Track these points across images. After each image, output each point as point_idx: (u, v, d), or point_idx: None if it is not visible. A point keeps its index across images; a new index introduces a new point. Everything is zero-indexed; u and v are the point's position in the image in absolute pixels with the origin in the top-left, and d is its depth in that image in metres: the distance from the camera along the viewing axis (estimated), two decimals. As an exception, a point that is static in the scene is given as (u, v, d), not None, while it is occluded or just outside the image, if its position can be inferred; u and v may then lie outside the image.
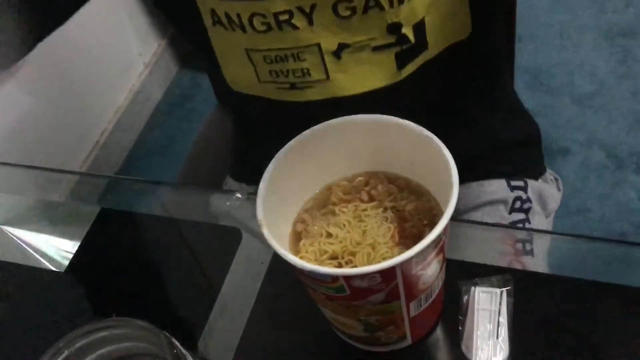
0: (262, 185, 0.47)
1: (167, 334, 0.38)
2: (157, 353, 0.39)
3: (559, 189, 0.86)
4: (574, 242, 0.61)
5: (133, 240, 0.69)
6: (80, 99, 1.71)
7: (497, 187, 0.79)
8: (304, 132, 0.50)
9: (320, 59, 0.60)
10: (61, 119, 1.65)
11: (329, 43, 0.59)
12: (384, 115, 0.49)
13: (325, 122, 0.50)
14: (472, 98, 0.75)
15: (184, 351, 0.38)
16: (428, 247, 0.42)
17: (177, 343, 0.38)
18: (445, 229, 0.44)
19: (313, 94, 0.64)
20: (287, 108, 0.66)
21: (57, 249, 0.70)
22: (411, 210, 0.50)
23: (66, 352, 0.39)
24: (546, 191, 0.82)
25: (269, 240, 0.44)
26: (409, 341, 0.53)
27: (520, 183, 0.80)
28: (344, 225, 0.50)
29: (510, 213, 0.78)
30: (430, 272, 0.46)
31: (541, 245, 0.63)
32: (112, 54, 1.83)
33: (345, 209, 0.51)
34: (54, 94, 1.61)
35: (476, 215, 0.79)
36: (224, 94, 0.73)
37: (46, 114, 1.60)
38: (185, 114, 1.96)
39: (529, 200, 0.79)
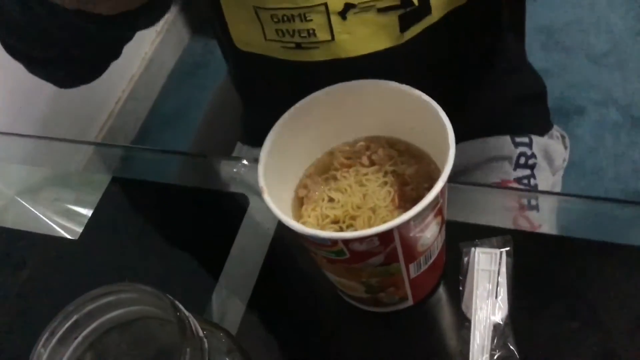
0: (263, 152, 0.48)
1: (171, 297, 0.40)
2: (162, 316, 0.40)
3: (565, 146, 0.86)
4: (578, 201, 0.62)
5: (143, 207, 0.70)
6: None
7: (501, 144, 0.79)
8: (304, 99, 0.51)
9: (327, 20, 0.61)
10: (75, 89, 1.66)
11: (336, 3, 0.59)
12: (383, 80, 0.50)
13: (325, 89, 0.51)
14: (475, 61, 0.75)
15: (187, 313, 0.40)
16: (425, 209, 0.43)
17: (180, 306, 0.39)
18: (442, 192, 0.45)
19: (318, 55, 0.65)
20: (292, 68, 0.66)
21: (70, 217, 0.71)
22: (411, 174, 0.51)
23: (75, 316, 0.40)
24: (552, 147, 0.82)
25: (270, 207, 0.45)
26: (410, 302, 0.54)
27: (525, 139, 0.80)
28: (345, 189, 0.51)
29: (515, 169, 0.78)
30: (429, 234, 0.47)
31: (546, 201, 0.64)
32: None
33: (346, 174, 0.52)
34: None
35: (480, 173, 0.79)
36: (231, 54, 0.74)
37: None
38: (199, 81, 1.96)
39: (533, 156, 0.79)
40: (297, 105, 0.50)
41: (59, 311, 0.41)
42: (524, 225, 0.59)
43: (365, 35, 0.63)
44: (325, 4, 0.59)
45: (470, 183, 0.70)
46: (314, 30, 0.62)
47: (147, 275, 0.64)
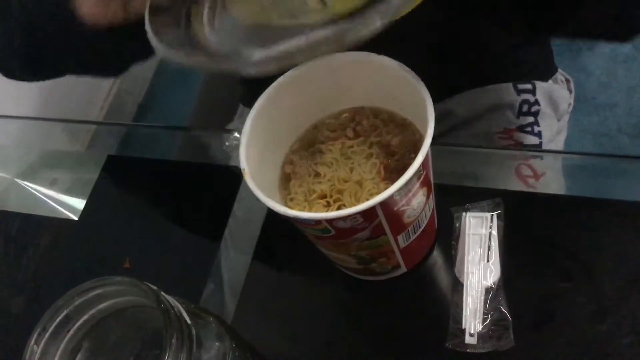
0: (244, 133, 0.48)
1: (154, 287, 0.40)
2: (150, 304, 0.41)
3: (570, 90, 0.84)
4: (574, 159, 0.61)
5: (140, 184, 0.71)
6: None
7: (503, 91, 0.77)
8: (284, 75, 0.50)
9: None
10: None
11: None
12: (364, 52, 0.49)
13: (306, 62, 0.50)
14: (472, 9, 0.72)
15: (172, 303, 0.40)
16: (408, 183, 0.43)
17: (164, 296, 0.40)
18: (425, 163, 0.44)
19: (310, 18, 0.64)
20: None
21: (70, 197, 0.72)
22: (396, 144, 0.50)
23: (65, 311, 0.41)
24: (556, 92, 0.80)
25: (252, 189, 0.45)
26: (404, 269, 0.54)
27: (528, 86, 0.78)
28: (332, 163, 0.51)
29: (518, 117, 0.77)
30: (415, 204, 0.47)
31: (547, 160, 0.63)
32: None
33: (332, 147, 0.52)
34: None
35: (482, 123, 0.78)
36: None
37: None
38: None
39: (537, 102, 0.78)
40: (278, 81, 0.50)
41: (66, 292, 0.42)
42: (527, 174, 0.59)
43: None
44: None
45: (459, 145, 0.69)
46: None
47: (147, 254, 0.65)
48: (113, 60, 0.64)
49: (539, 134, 0.79)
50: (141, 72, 1.88)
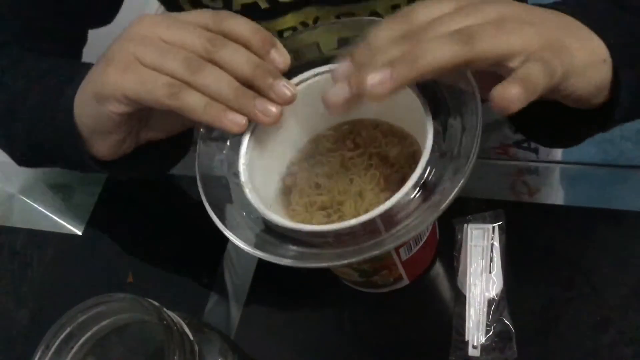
0: (244, 146, 0.48)
1: (156, 303, 0.40)
2: (153, 320, 0.41)
3: None
4: (573, 168, 0.61)
5: (142, 198, 0.71)
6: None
7: None
8: None
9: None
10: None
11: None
12: None
13: (306, 78, 0.50)
14: None
15: (174, 319, 0.40)
16: (407, 194, 0.43)
17: (165, 313, 0.40)
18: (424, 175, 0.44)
19: None
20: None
21: (74, 211, 0.73)
22: (395, 155, 0.50)
23: (69, 328, 0.41)
24: None
25: (254, 203, 0.45)
26: (406, 281, 0.54)
27: None
28: (332, 175, 0.51)
29: (515, 132, 0.77)
30: (416, 216, 0.47)
31: (547, 171, 0.63)
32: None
33: (332, 159, 0.52)
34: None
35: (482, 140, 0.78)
36: None
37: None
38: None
39: None
40: None
41: (69, 308, 0.42)
42: (522, 191, 0.59)
43: None
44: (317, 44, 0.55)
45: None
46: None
47: (150, 268, 0.65)
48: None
49: (535, 150, 0.79)
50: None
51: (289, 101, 0.46)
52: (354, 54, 0.42)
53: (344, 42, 0.51)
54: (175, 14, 0.47)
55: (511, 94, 0.37)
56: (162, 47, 0.45)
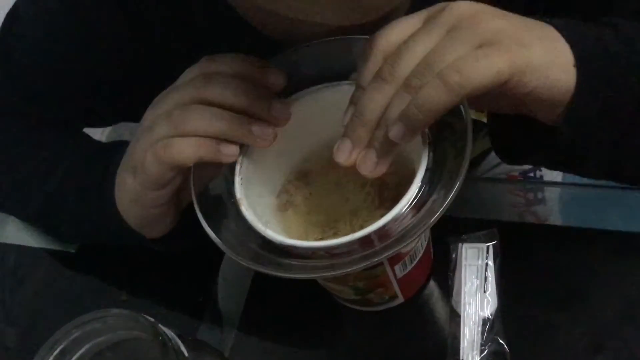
0: (239, 163, 0.48)
1: (152, 319, 0.40)
2: (148, 337, 0.41)
3: None
4: (572, 189, 0.61)
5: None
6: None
7: None
8: None
9: None
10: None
11: None
12: (352, 84, 0.49)
13: (299, 96, 0.50)
14: None
15: (170, 335, 0.40)
16: (402, 211, 0.43)
17: (161, 329, 0.40)
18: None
19: None
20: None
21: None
22: (389, 173, 0.50)
23: (62, 345, 0.41)
24: None
25: (250, 220, 0.46)
26: (401, 299, 0.54)
27: None
28: (327, 193, 0.51)
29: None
30: (411, 234, 0.47)
31: (550, 191, 0.63)
32: None
33: (326, 177, 0.52)
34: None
35: (485, 168, 0.79)
36: None
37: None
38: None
39: None
40: None
41: (63, 325, 0.42)
42: (531, 221, 0.59)
43: None
44: None
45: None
46: None
47: (144, 285, 0.64)
48: None
49: (540, 179, 0.79)
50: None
51: (285, 121, 0.47)
52: (347, 127, 0.43)
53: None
54: (171, 86, 0.48)
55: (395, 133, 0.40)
56: (150, 124, 0.47)
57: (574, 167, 0.48)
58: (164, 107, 0.47)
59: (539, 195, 0.63)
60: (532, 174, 0.81)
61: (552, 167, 0.49)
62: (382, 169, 0.43)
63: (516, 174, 0.80)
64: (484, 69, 0.38)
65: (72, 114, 0.66)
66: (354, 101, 0.43)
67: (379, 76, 0.41)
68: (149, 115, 0.48)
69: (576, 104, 0.41)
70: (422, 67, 0.39)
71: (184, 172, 0.48)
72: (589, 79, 0.41)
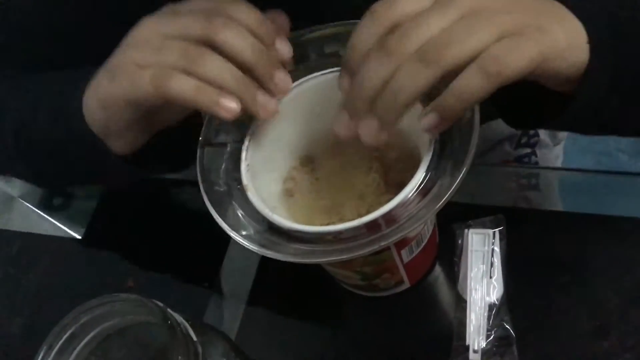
0: (245, 149, 0.48)
1: (161, 304, 0.40)
2: (156, 322, 0.41)
3: None
4: (572, 175, 0.61)
5: (143, 202, 0.71)
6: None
7: (502, 125, 0.78)
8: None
9: None
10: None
11: None
12: None
13: (306, 82, 0.50)
14: None
15: (178, 320, 0.40)
16: (408, 197, 0.43)
17: (170, 313, 0.40)
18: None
19: None
20: None
21: (74, 215, 0.73)
22: (395, 158, 0.51)
23: (72, 329, 0.41)
24: None
25: (257, 205, 0.46)
26: (407, 284, 0.54)
27: None
28: (332, 178, 0.51)
29: (516, 148, 0.78)
30: (417, 219, 0.47)
31: (545, 176, 0.64)
32: None
33: (332, 162, 0.52)
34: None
35: (484, 159, 0.79)
36: None
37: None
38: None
39: (536, 134, 0.78)
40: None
41: (69, 312, 0.42)
42: (524, 206, 0.59)
43: None
44: None
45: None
46: None
47: (150, 272, 0.65)
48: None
49: (535, 164, 0.79)
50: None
51: (284, 94, 0.46)
52: (342, 87, 0.43)
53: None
54: (175, 5, 0.46)
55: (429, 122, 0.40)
56: (160, 45, 0.44)
57: (580, 128, 0.49)
58: (173, 29, 0.44)
59: (533, 180, 0.63)
60: (526, 160, 0.80)
61: (559, 128, 0.49)
62: (384, 136, 0.41)
63: (510, 159, 0.79)
64: (518, 58, 0.38)
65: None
66: (348, 67, 0.42)
67: (383, 47, 0.39)
68: (153, 28, 0.45)
69: (590, 77, 0.42)
70: (440, 45, 0.38)
71: (169, 106, 0.46)
72: (602, 55, 0.42)
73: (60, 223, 0.72)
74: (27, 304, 0.68)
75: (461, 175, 0.41)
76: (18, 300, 0.68)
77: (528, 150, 0.77)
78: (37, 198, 0.76)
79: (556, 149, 0.82)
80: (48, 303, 0.67)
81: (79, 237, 0.70)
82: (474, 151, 0.41)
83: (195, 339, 0.41)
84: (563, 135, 0.82)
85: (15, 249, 0.72)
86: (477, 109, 0.42)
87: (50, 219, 0.73)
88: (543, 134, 0.78)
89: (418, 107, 0.46)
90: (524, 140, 0.77)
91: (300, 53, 0.49)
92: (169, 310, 0.41)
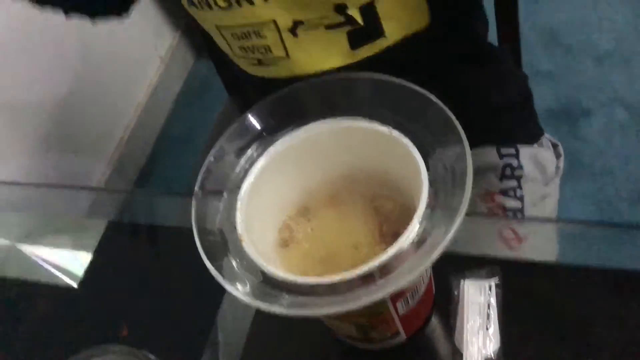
0: (241, 199, 0.48)
1: (153, 356, 0.40)
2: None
3: (558, 155, 0.85)
4: (562, 226, 0.61)
5: (139, 250, 0.71)
6: (100, 99, 1.74)
7: (486, 155, 0.78)
8: (279, 141, 0.51)
9: (279, 36, 0.63)
10: (83, 121, 1.69)
11: (284, 20, 0.61)
12: (351, 120, 0.50)
13: (300, 133, 0.51)
14: (447, 78, 0.73)
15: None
16: (403, 248, 0.43)
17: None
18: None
19: (277, 71, 0.67)
20: (263, 82, 0.70)
21: (70, 263, 0.72)
22: (390, 209, 0.51)
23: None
24: (542, 155, 0.81)
25: (252, 256, 0.46)
26: (403, 336, 0.54)
27: (511, 150, 0.79)
28: (328, 228, 0.51)
29: (501, 180, 0.78)
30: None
31: (541, 228, 0.64)
32: (127, 50, 1.86)
33: (328, 212, 0.52)
34: (74, 98, 1.64)
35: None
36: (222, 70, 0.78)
37: (68, 118, 1.64)
38: (206, 104, 1.97)
39: (520, 167, 0.78)
40: (272, 150, 0.51)
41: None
42: (509, 237, 0.59)
43: (318, 52, 0.64)
44: (274, 21, 0.61)
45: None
46: (269, 46, 0.64)
47: (145, 320, 0.64)
48: None
49: (521, 198, 0.79)
50: (143, 136, 1.90)
51: None
52: None
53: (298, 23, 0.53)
54: None
55: None
56: None
57: None
58: None
59: (518, 214, 0.63)
60: (511, 193, 0.80)
61: None
62: None
63: (496, 190, 0.79)
64: None
65: None
66: None
67: None
68: None
69: None
70: None
71: None
72: None
73: (56, 270, 0.72)
74: (22, 351, 0.67)
75: (455, 225, 0.41)
76: (14, 347, 0.67)
77: (513, 183, 0.77)
78: (34, 246, 0.76)
79: (546, 189, 0.81)
80: (43, 351, 0.66)
81: (75, 285, 0.69)
82: (467, 205, 0.41)
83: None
84: (552, 172, 0.82)
85: (12, 295, 0.72)
86: (469, 155, 0.43)
87: (47, 266, 0.73)
88: (529, 167, 0.78)
89: (412, 158, 0.46)
90: (507, 172, 0.77)
91: (294, 105, 0.50)
92: (159, 362, 0.40)
